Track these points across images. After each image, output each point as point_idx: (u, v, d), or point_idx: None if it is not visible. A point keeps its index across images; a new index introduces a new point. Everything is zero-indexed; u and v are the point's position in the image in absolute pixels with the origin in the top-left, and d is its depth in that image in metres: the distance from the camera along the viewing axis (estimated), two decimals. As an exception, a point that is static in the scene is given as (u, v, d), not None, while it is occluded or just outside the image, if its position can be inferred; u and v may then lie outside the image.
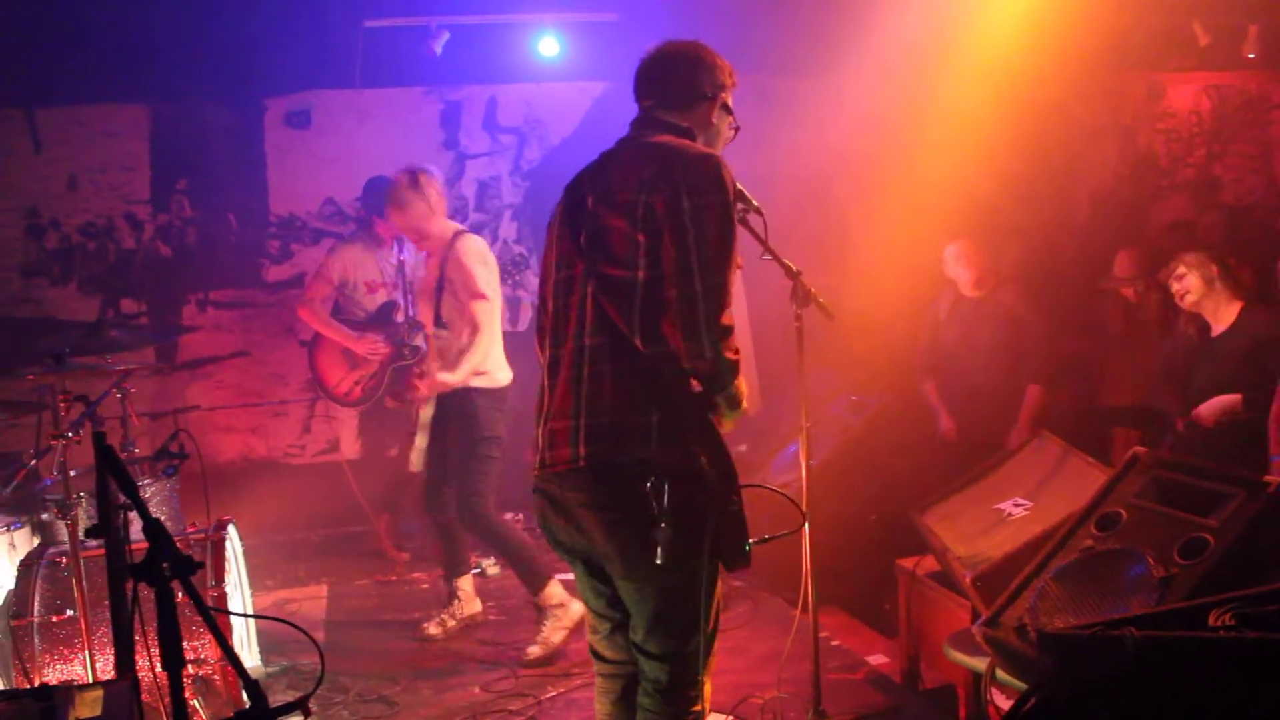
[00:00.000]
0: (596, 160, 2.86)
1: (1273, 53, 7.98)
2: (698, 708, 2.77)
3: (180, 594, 2.14)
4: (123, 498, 2.46)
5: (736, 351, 2.66)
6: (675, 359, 2.61)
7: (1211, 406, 4.61)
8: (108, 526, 2.62)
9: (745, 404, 2.79)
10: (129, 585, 2.35)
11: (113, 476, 2.37)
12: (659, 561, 2.55)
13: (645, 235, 2.61)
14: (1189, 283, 4.71)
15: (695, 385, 2.67)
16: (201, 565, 2.31)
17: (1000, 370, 5.30)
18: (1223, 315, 4.71)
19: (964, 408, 5.44)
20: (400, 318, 5.98)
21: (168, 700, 2.14)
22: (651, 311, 2.61)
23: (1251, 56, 7.96)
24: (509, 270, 5.53)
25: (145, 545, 2.17)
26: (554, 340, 2.79)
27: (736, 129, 2.99)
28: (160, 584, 2.09)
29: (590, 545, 2.74)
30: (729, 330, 2.63)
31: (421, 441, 5.01)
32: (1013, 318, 5.33)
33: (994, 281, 5.44)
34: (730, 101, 2.94)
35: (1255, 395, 4.46)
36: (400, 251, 6.06)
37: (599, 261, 2.67)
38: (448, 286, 4.81)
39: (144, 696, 3.13)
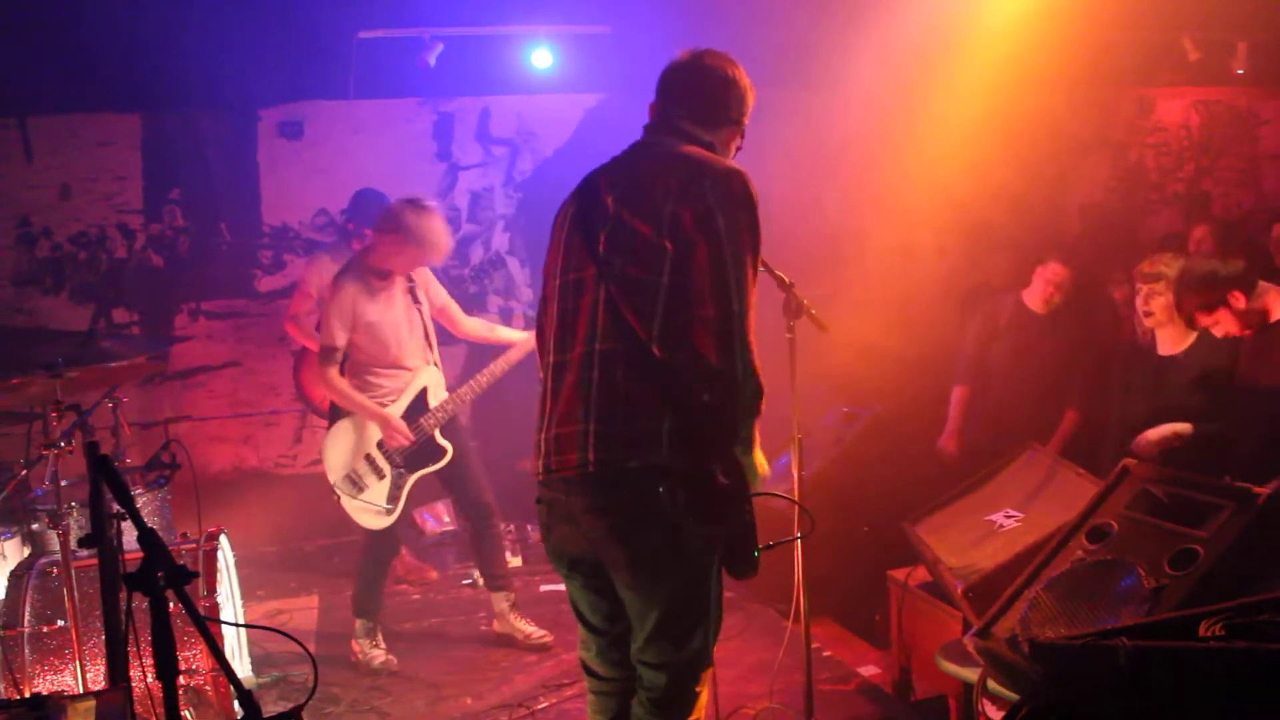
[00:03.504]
0: (612, 163, 2.82)
1: (1261, 69, 8.05)
2: (692, 718, 2.77)
3: (173, 604, 2.14)
4: (116, 507, 2.46)
5: (759, 371, 2.63)
6: (690, 366, 2.57)
7: (1160, 432, 4.13)
8: (102, 536, 2.62)
9: (762, 471, 2.76)
10: (123, 595, 2.35)
11: (108, 486, 2.37)
12: (673, 565, 2.58)
13: (673, 244, 2.58)
14: (1162, 301, 4.27)
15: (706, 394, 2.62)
16: (197, 575, 2.31)
17: (1039, 389, 5.15)
18: (1179, 339, 4.34)
19: (987, 418, 5.32)
20: None
21: (160, 711, 2.13)
22: (675, 319, 2.58)
23: (1240, 72, 8.03)
24: None
25: (137, 555, 2.16)
26: (559, 344, 2.74)
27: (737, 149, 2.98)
28: (155, 594, 2.09)
29: (596, 552, 2.69)
30: (754, 351, 2.62)
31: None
32: (1073, 340, 5.19)
33: (1061, 301, 5.23)
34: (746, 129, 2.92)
35: (1204, 427, 4.11)
36: None
37: (620, 263, 2.63)
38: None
39: (134, 707, 3.12)
